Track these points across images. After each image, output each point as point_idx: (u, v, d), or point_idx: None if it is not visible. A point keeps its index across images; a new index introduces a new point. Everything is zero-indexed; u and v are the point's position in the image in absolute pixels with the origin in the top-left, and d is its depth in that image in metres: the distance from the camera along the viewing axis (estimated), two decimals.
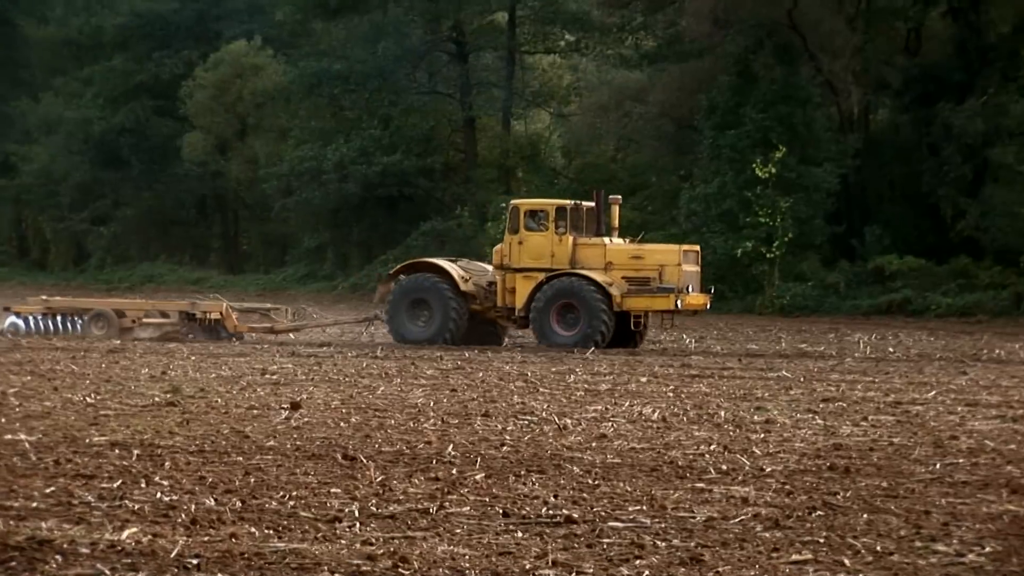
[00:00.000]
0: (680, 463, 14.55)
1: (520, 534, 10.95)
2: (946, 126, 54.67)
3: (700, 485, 13.21)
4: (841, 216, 57.33)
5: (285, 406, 19.15)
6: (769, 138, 53.99)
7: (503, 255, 33.96)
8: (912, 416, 19.33)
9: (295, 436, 16.16)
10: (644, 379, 24.95)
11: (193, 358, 28.66)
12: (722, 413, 19.32)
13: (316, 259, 70.95)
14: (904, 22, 59.20)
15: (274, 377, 24.33)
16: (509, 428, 17.30)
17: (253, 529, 10.93)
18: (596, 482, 13.31)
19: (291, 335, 37.04)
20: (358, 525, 11.15)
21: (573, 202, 34.45)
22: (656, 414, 19.07)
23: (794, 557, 10.29)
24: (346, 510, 11.69)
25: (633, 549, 10.49)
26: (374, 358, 29.70)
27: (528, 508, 11.91)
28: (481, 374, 25.59)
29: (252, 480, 13.09)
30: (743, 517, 11.66)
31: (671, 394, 22.16)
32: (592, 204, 34.28)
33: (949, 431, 17.53)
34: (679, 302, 32.82)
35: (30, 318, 35.62)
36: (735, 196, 54.04)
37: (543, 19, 67.75)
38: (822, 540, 10.81)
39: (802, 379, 25.59)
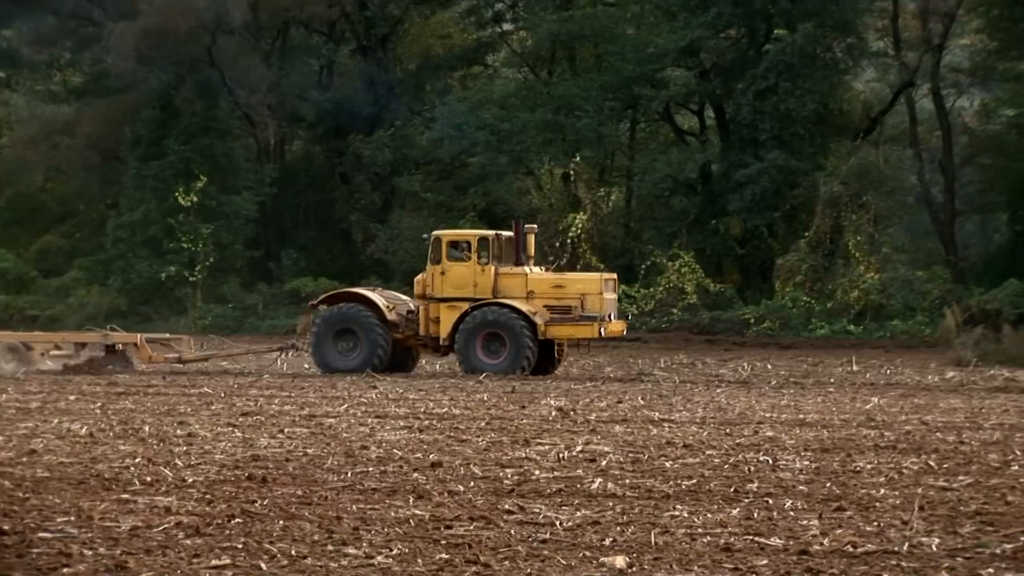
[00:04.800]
0: (106, 475, 14.36)
1: None
2: (357, 156, 56.28)
3: (125, 496, 13.06)
4: (259, 241, 57.90)
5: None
6: (191, 168, 54.05)
7: (426, 285, 32.53)
8: (326, 428, 19.71)
9: None
10: (73, 397, 24.41)
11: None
12: (147, 428, 19.14)
13: None
14: (317, 59, 60.51)
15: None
16: None
17: None
18: (26, 495, 12.98)
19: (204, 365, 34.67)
20: None
21: (494, 232, 33.10)
22: (84, 430, 18.76)
23: (214, 562, 10.33)
24: None
25: (61, 558, 10.35)
26: None
27: None
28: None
29: None
30: (166, 525, 11.62)
31: (99, 411, 21.78)
32: (511, 234, 32.96)
33: (360, 441, 17.99)
34: (602, 330, 31.88)
35: None
36: (159, 223, 53.82)
37: None
38: (240, 546, 10.89)
39: (223, 394, 25.64)
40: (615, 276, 34.61)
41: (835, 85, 51.83)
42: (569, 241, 48.74)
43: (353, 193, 56.65)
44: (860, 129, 52.96)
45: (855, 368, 34.56)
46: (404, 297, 34.15)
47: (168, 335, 37.39)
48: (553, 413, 22.06)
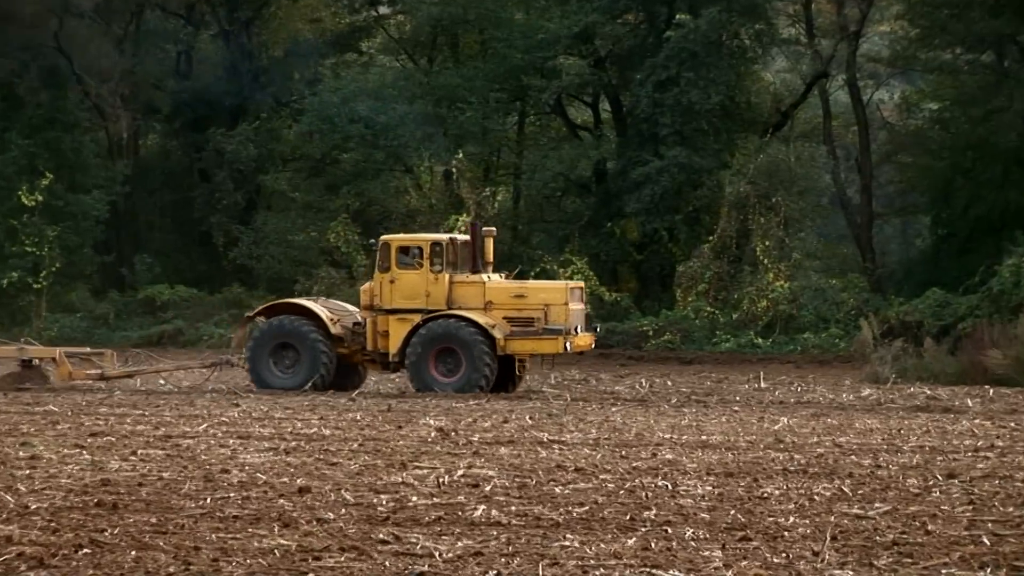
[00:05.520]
0: None
1: None
2: (218, 151, 55.92)
3: None
4: (111, 245, 57.32)
5: None
6: (36, 164, 53.20)
7: (373, 295, 32.11)
8: (183, 450, 19.63)
9: None
10: None
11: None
12: None
13: None
14: (174, 45, 60.03)
15: None
16: None
17: None
18: None
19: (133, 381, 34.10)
20: None
21: (448, 236, 32.68)
22: None
23: None
24: None
25: None
26: None
27: None
28: None
29: None
30: (7, 556, 11.51)
31: None
32: (467, 238, 32.60)
33: (221, 464, 17.94)
34: (567, 344, 31.54)
35: None
36: (0, 224, 52.88)
37: None
38: None
39: (70, 413, 25.41)
40: (582, 285, 34.75)
41: (743, 76, 52.39)
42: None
43: (214, 192, 56.29)
44: (770, 124, 53.65)
45: (763, 385, 34.96)
46: (351, 308, 33.99)
47: (89, 349, 36.81)
48: (433, 434, 22.11)
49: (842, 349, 44.92)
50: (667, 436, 22.04)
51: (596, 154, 53.93)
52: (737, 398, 30.94)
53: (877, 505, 14.83)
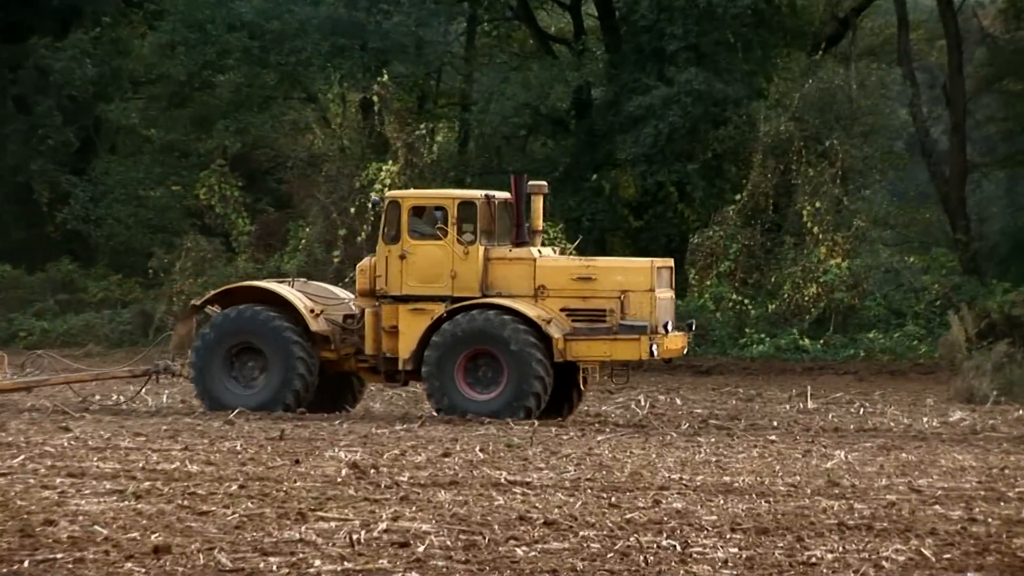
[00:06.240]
0: None
1: None
2: (41, 71, 55.63)
3: None
4: None
5: None
6: None
7: (375, 275, 31.81)
8: None
9: None
10: None
11: None
12: None
13: None
14: None
15: None
16: None
17: None
18: None
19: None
20: None
21: (484, 194, 32.14)
22: None
23: None
24: None
25: None
26: None
27: None
28: None
29: None
30: None
31: None
32: (508, 195, 32.24)
33: (44, 513, 17.91)
34: (654, 348, 31.17)
35: None
36: None
37: None
38: None
39: None
40: (671, 264, 33.57)
41: None
42: (371, 207, 48.78)
43: (35, 129, 56.05)
44: (822, 36, 53.77)
45: (811, 405, 35.04)
46: (341, 294, 33.86)
47: None
48: (344, 471, 22.09)
49: (923, 355, 45.12)
50: (675, 476, 22.08)
51: (576, 77, 53.85)
52: (774, 423, 31.03)
53: (971, 574, 14.87)
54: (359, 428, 28.99)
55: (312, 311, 32.29)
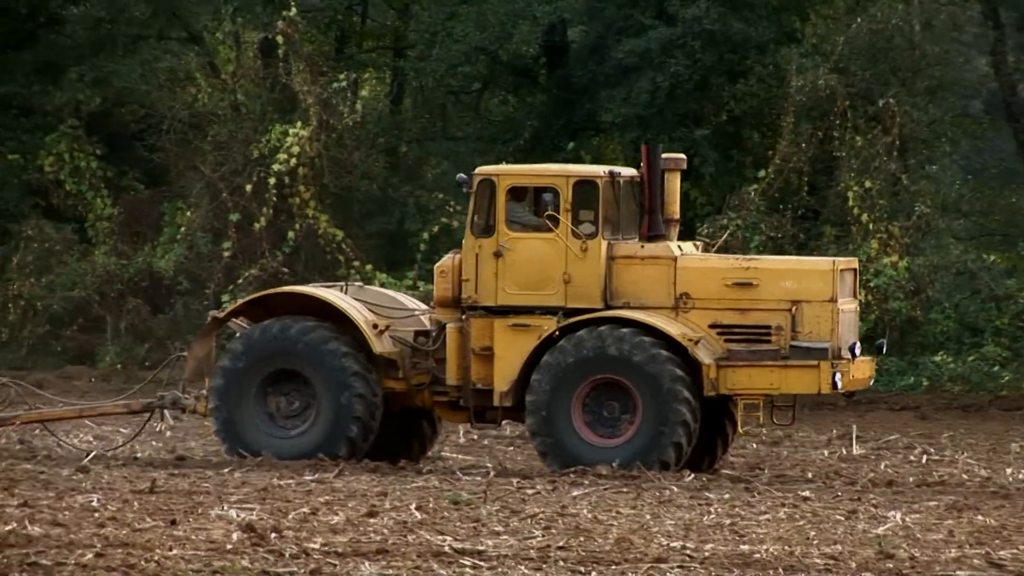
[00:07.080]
0: None
1: None
2: None
3: None
4: None
5: None
6: None
7: (461, 279, 31.86)
8: None
9: None
10: None
11: None
12: None
13: None
14: None
15: None
16: None
17: None
18: None
19: None
20: None
21: (606, 170, 32.23)
22: None
23: None
24: None
25: None
26: None
27: None
28: None
29: None
30: None
31: None
32: (636, 172, 32.46)
33: None
34: (837, 378, 31.18)
35: None
36: None
37: None
38: None
39: None
40: (856, 265, 33.66)
41: None
42: (272, 182, 48.87)
43: None
44: None
45: (856, 450, 35.26)
46: (408, 302, 34.08)
47: None
48: (235, 535, 22.16)
49: (1006, 385, 45.39)
50: (676, 545, 22.23)
51: (548, 12, 54.05)
52: (809, 474, 31.20)
53: None
54: (255, 478, 29.09)
55: (374, 324, 32.25)
